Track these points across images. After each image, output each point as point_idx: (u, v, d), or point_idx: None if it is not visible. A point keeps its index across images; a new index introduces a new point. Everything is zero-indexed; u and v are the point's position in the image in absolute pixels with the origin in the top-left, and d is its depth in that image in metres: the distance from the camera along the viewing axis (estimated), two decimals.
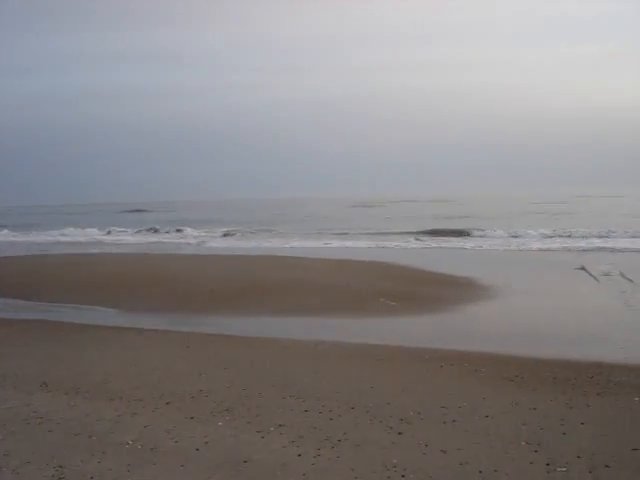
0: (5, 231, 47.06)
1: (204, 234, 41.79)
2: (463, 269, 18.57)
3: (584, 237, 30.23)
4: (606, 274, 16.94)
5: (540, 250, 25.41)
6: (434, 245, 29.28)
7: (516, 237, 31.89)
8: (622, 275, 16.55)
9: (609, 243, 26.86)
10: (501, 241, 30.28)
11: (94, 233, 45.23)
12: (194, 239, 38.43)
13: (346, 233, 38.54)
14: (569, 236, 30.99)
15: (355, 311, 12.63)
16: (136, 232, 46.35)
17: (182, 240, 38.02)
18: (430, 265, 19.85)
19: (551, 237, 31.20)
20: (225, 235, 40.87)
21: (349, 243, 31.53)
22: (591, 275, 16.94)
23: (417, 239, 32.51)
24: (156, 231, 46.54)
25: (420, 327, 11.29)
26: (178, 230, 45.49)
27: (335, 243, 31.97)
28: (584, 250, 24.59)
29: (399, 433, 5.70)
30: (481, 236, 33.68)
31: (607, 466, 4.89)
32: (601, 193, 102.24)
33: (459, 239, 32.03)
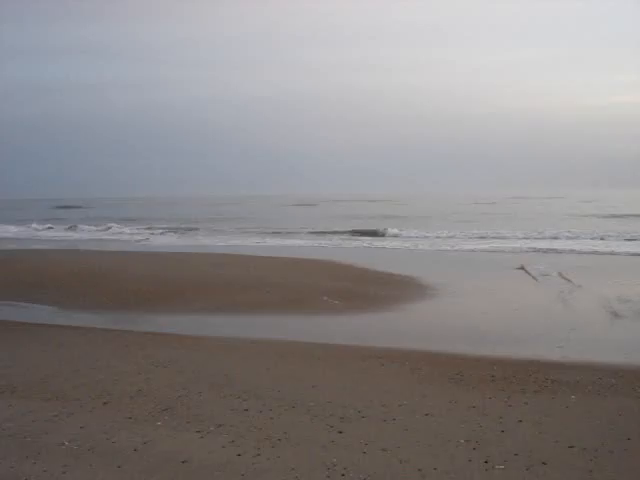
0: None
1: (137, 231, 41.57)
2: (405, 268, 18.71)
3: (524, 238, 30.73)
4: (545, 274, 17.25)
5: (475, 251, 25.69)
6: (376, 244, 29.45)
7: (452, 237, 32.31)
8: (561, 275, 16.88)
9: (548, 244, 27.37)
10: (431, 241, 30.60)
11: (13, 229, 44.44)
12: (130, 236, 38.18)
13: (280, 232, 38.69)
14: (503, 238, 31.30)
15: (296, 309, 12.61)
16: (67, 228, 45.68)
17: (115, 237, 37.74)
18: (372, 264, 19.93)
19: (483, 238, 31.58)
20: (161, 232, 40.60)
21: (288, 242, 31.53)
22: (530, 275, 17.24)
23: (353, 239, 32.84)
24: (84, 228, 45.76)
25: (362, 326, 11.32)
26: (108, 227, 44.83)
27: (271, 241, 31.94)
28: (523, 251, 24.97)
29: (339, 432, 5.68)
30: (395, 235, 34.28)
31: (544, 463, 4.95)
32: (541, 194, 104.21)
33: (396, 239, 32.36)
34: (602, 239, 28.94)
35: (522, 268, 18.64)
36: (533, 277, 16.85)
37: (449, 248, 26.81)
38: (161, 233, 40.21)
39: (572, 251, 24.51)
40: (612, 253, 23.46)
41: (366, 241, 31.34)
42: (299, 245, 29.55)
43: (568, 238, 29.93)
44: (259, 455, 5.17)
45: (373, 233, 36.01)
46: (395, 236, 34.26)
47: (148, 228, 43.60)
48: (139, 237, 37.09)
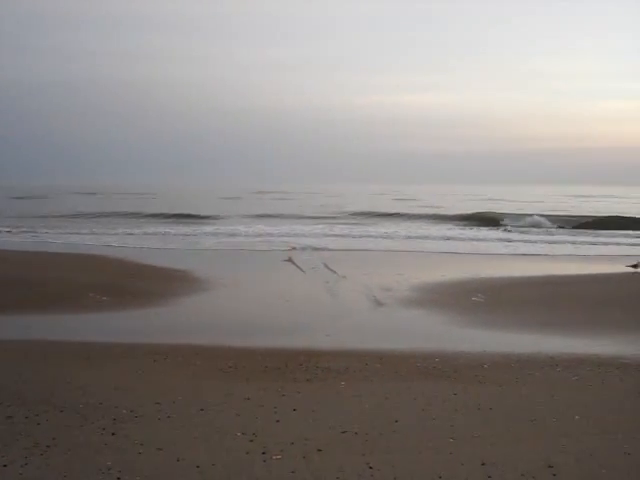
0: None
1: None
2: (178, 262, 18.49)
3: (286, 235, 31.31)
4: (311, 266, 17.81)
5: (243, 247, 25.97)
6: (152, 236, 28.60)
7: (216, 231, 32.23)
8: (326, 266, 17.53)
9: (313, 239, 28.23)
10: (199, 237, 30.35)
11: None
12: None
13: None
14: (268, 234, 31.42)
15: (59, 307, 11.93)
16: None
17: None
18: (145, 258, 19.43)
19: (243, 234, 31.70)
20: None
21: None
22: (298, 267, 17.73)
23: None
24: None
25: (132, 322, 10.98)
26: None
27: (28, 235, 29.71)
28: (286, 243, 25.56)
29: (113, 434, 5.44)
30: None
31: (319, 450, 5.08)
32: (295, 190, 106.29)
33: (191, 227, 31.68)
34: (361, 237, 29.98)
35: (290, 260, 19.12)
36: (300, 269, 17.34)
37: (215, 241, 26.76)
38: None
39: (335, 243, 25.57)
40: (368, 249, 24.49)
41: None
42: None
43: (326, 235, 30.64)
44: (27, 465, 4.80)
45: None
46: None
47: None
48: None
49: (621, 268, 16.98)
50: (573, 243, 27.08)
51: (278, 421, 5.80)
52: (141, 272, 16.51)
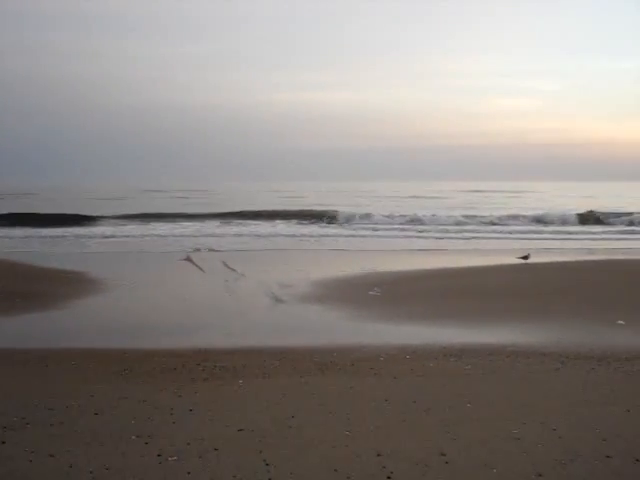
0: None
1: None
2: (73, 264, 17.97)
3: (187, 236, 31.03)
4: (210, 265, 17.67)
5: (142, 247, 25.56)
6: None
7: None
8: (225, 264, 17.42)
9: (209, 237, 28.04)
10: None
11: None
12: None
13: None
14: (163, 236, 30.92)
15: None
16: None
17: None
18: (35, 260, 18.76)
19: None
20: None
21: None
22: (197, 266, 17.55)
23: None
24: None
25: (23, 326, 10.62)
26: None
27: None
28: (184, 242, 25.30)
29: (2, 442, 5.24)
30: None
31: (216, 449, 5.04)
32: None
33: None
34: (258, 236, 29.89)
35: (188, 259, 18.90)
36: (199, 268, 17.17)
37: (107, 242, 26.21)
38: None
39: (232, 241, 25.61)
40: (267, 249, 24.55)
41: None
42: None
43: (224, 234, 30.46)
44: None
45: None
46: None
47: None
48: None
49: (512, 260, 17.59)
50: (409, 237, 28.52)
51: (174, 422, 5.72)
52: (31, 275, 15.93)
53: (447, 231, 31.38)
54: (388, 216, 37.86)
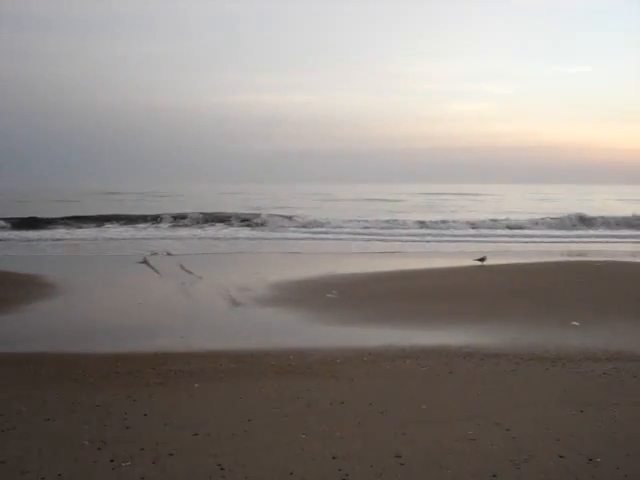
0: None
1: None
2: (22, 268, 17.62)
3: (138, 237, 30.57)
4: (167, 267, 17.52)
5: (99, 248, 25.22)
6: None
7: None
8: (182, 267, 17.28)
9: (165, 240, 27.82)
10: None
11: None
12: None
13: None
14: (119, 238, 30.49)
15: None
16: None
17: None
18: None
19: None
20: None
21: None
22: (153, 268, 17.38)
23: None
24: None
25: None
26: None
27: None
28: (141, 245, 25.01)
29: None
30: None
31: (171, 455, 4.98)
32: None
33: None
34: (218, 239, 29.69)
35: (145, 262, 18.72)
36: (156, 270, 17.01)
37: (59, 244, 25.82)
38: None
39: (187, 244, 25.45)
40: (226, 252, 24.41)
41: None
42: None
43: (179, 238, 30.23)
44: None
45: None
46: None
47: None
48: None
49: (469, 262, 17.76)
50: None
51: (128, 427, 5.64)
52: None
53: (404, 234, 31.45)
54: (347, 220, 37.73)
